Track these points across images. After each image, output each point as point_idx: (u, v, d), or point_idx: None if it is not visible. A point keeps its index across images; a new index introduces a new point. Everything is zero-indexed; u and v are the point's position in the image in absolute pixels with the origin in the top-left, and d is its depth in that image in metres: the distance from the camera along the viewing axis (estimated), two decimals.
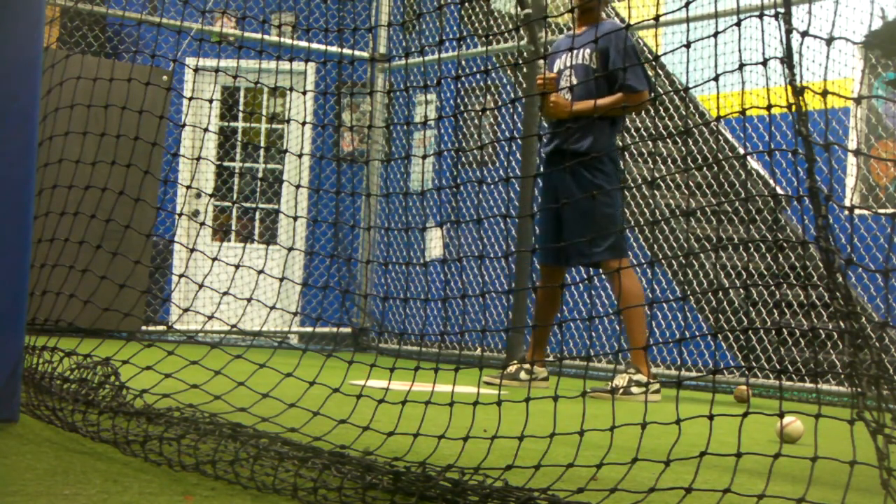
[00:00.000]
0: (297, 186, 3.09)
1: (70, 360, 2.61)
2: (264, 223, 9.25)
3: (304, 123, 2.88)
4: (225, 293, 2.79)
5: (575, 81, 4.84)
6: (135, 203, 2.73)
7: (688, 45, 1.98)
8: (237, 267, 2.79)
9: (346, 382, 2.47)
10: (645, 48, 8.30)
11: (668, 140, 7.85)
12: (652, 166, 7.70)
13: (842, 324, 1.72)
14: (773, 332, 6.35)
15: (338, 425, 2.20)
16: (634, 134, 7.77)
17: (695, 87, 2.32)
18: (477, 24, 8.50)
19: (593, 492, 1.67)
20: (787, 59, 1.69)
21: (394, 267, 8.41)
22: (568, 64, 4.89)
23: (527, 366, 5.11)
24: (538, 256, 5.06)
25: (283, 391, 2.42)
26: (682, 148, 7.69)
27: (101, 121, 2.94)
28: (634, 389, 4.64)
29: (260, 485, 1.72)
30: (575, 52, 4.89)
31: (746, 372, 6.29)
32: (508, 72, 7.95)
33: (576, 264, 5.03)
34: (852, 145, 6.40)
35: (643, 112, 5.66)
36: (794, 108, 1.69)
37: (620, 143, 5.12)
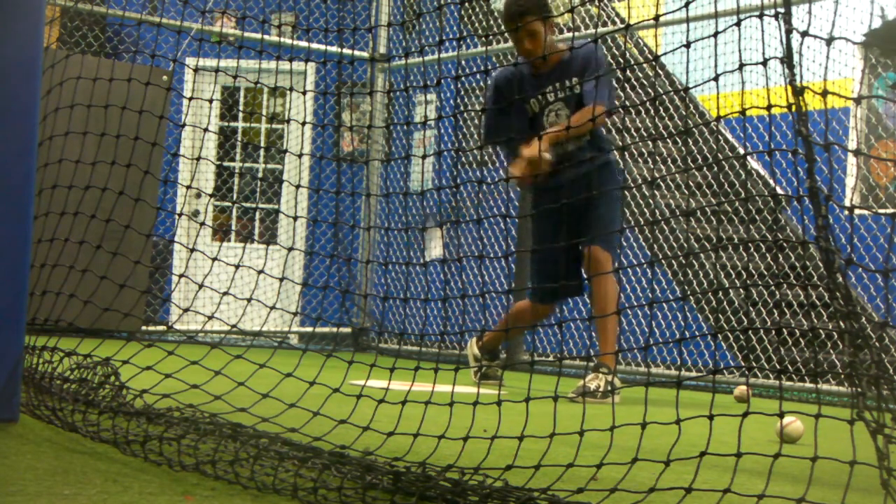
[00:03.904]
0: (297, 186, 3.09)
1: (70, 360, 2.61)
2: (264, 223, 9.25)
3: (304, 123, 2.88)
4: (225, 293, 2.79)
5: (565, 115, 4.69)
6: (135, 203, 2.73)
7: (688, 45, 1.98)
8: (237, 267, 2.79)
9: (346, 382, 2.47)
10: (645, 48, 8.30)
11: (668, 140, 7.85)
12: (652, 166, 7.70)
13: (842, 324, 1.72)
14: (773, 332, 6.35)
15: (338, 425, 2.20)
16: (634, 134, 7.77)
17: (695, 87, 2.32)
18: (477, 24, 8.51)
19: (593, 492, 1.67)
20: (787, 59, 1.69)
21: (394, 267, 8.41)
22: (550, 100, 4.73)
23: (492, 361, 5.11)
24: (534, 295, 4.94)
25: (283, 391, 2.42)
26: (682, 148, 7.69)
27: (101, 121, 2.94)
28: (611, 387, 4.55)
29: (260, 485, 1.72)
30: (557, 84, 4.74)
31: (746, 372, 6.29)
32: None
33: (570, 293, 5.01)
34: (852, 145, 6.40)
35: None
36: (794, 108, 1.69)
37: (620, 143, 5.11)
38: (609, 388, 4.46)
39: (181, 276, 2.84)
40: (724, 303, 6.83)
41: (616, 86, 4.68)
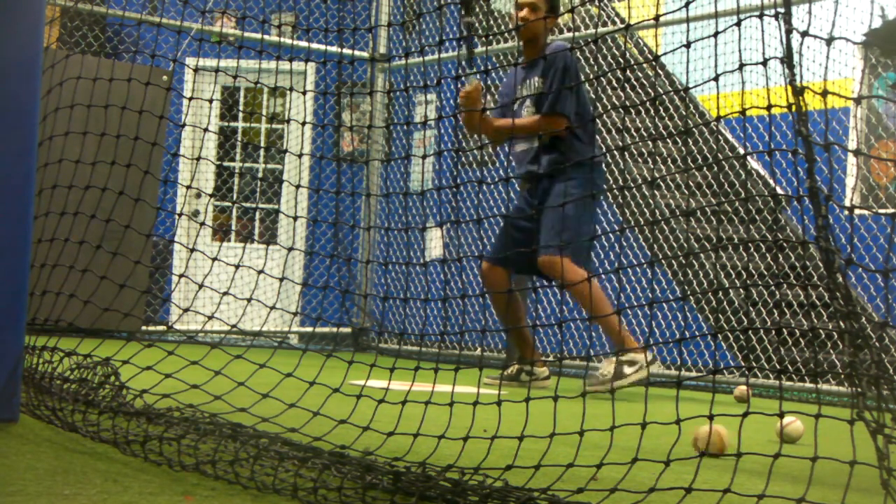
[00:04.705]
0: (297, 186, 3.09)
1: (70, 360, 2.61)
2: (264, 223, 9.25)
3: (304, 123, 2.88)
4: (225, 293, 2.79)
5: (527, 112, 4.99)
6: (135, 203, 2.73)
7: (688, 45, 1.98)
8: (237, 267, 2.79)
9: (346, 382, 2.47)
10: (645, 48, 8.30)
11: (668, 140, 7.84)
12: (652, 166, 7.70)
13: (842, 324, 1.72)
14: (773, 332, 6.34)
15: (338, 425, 2.19)
16: (634, 134, 7.76)
17: (695, 87, 2.32)
18: (477, 24, 8.50)
19: (593, 492, 1.67)
20: (787, 59, 1.69)
21: (394, 267, 8.41)
22: (523, 94, 5.01)
23: (527, 367, 5.10)
24: (489, 253, 5.17)
25: (283, 391, 2.42)
26: (682, 148, 7.69)
27: (101, 121, 2.94)
28: (627, 370, 4.58)
29: (260, 485, 1.72)
30: (527, 82, 5.01)
31: (746, 372, 6.29)
32: (508, 72, 7.95)
33: (525, 272, 5.14)
34: (852, 145, 6.40)
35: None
36: (794, 108, 1.69)
37: (620, 143, 5.15)
38: (622, 366, 4.54)
39: (181, 276, 2.84)
40: (724, 303, 6.83)
41: (571, 95, 4.79)
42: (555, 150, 4.89)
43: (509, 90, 5.19)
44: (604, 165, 5.27)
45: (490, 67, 8.03)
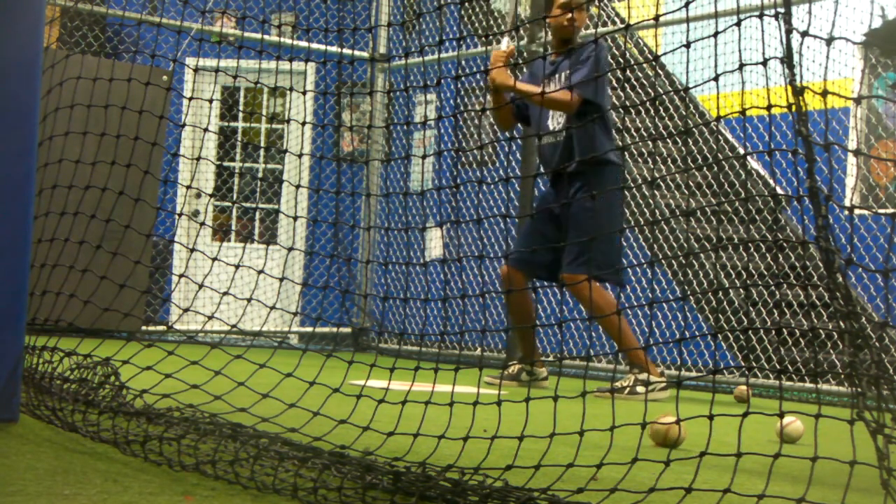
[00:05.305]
0: (297, 186, 3.09)
1: (70, 360, 2.61)
2: (264, 223, 9.25)
3: (304, 123, 2.88)
4: (225, 293, 2.79)
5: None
6: (135, 203, 2.73)
7: (688, 45, 1.98)
8: (237, 267, 2.79)
9: (346, 382, 2.47)
10: (645, 48, 8.30)
11: (668, 140, 7.84)
12: (652, 166, 7.70)
13: (842, 324, 1.72)
14: (773, 332, 6.34)
15: (338, 425, 2.20)
16: (634, 134, 7.76)
17: (695, 87, 2.32)
18: (477, 24, 8.50)
19: (593, 492, 1.67)
20: (787, 59, 1.69)
21: (394, 267, 8.41)
22: (552, 88, 4.98)
23: (527, 366, 5.11)
24: (511, 258, 5.16)
25: (283, 391, 2.42)
26: (682, 148, 7.69)
27: (101, 121, 2.95)
28: (640, 389, 4.62)
29: (260, 485, 1.72)
30: (556, 76, 5.01)
31: (746, 372, 6.29)
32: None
33: (544, 278, 5.14)
34: (852, 145, 6.40)
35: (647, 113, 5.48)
36: (794, 108, 1.69)
37: (620, 143, 5.16)
38: (636, 384, 4.60)
39: (181, 276, 2.84)
40: (724, 303, 6.83)
41: (602, 85, 4.79)
42: (578, 147, 4.84)
43: (533, 82, 5.17)
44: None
45: (490, 67, 8.02)
